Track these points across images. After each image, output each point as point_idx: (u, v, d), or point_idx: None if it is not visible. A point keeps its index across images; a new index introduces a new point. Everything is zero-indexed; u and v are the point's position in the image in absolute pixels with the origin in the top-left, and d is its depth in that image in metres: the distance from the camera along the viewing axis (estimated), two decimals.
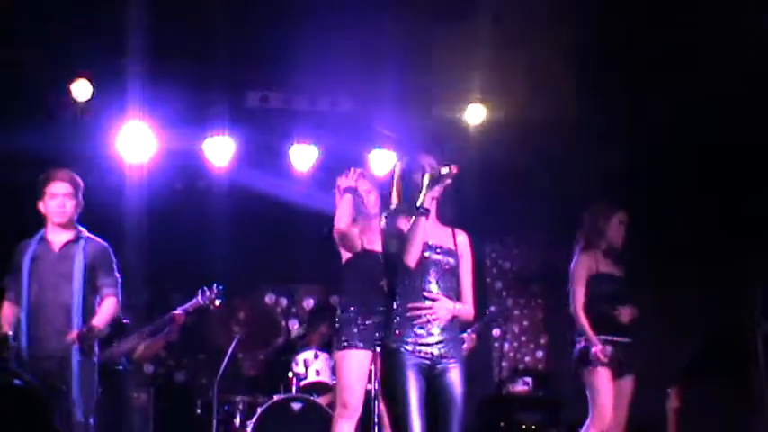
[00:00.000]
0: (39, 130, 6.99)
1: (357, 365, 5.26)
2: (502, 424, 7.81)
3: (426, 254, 4.19)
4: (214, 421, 6.99)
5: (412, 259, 4.13)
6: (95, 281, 5.30)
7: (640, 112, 7.19)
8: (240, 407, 7.14)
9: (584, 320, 5.73)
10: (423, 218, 4.13)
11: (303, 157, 7.95)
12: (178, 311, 6.68)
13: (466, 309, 4.33)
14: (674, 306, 7.43)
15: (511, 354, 9.20)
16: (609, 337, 5.69)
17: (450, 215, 4.36)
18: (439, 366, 4.16)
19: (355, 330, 5.27)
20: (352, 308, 5.33)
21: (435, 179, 4.17)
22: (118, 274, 5.43)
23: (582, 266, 5.83)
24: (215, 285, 6.65)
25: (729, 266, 7.13)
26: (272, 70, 7.34)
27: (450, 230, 4.35)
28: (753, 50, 6.15)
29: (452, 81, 7.35)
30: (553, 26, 6.24)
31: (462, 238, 4.38)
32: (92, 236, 5.40)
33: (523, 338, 9.30)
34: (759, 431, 7.00)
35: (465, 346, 6.92)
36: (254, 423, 6.70)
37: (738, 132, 6.79)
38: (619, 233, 5.87)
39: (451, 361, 4.18)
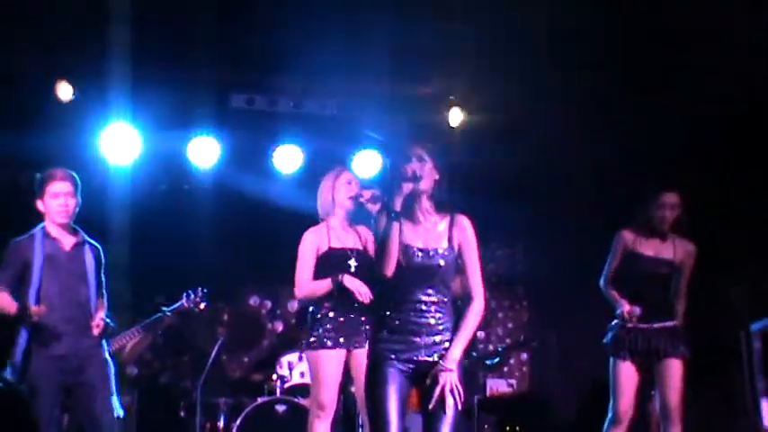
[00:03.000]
0: (22, 131, 6.97)
1: (328, 364, 5.12)
2: (486, 426, 7.81)
3: (409, 259, 3.90)
4: (197, 423, 6.98)
5: (388, 269, 3.88)
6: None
7: (628, 115, 7.21)
8: (224, 409, 7.13)
9: (607, 290, 5.57)
10: (395, 223, 3.87)
11: (288, 158, 7.96)
12: (168, 313, 6.67)
13: (474, 312, 3.95)
14: None
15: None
16: (640, 324, 5.48)
17: (446, 200, 4.00)
18: (428, 372, 3.91)
19: (327, 328, 5.18)
20: (326, 304, 5.20)
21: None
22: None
23: (618, 240, 5.62)
24: (200, 289, 6.64)
25: (716, 268, 7.15)
26: (258, 72, 7.34)
27: (446, 222, 3.98)
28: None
29: (435, 84, 7.37)
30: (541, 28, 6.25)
31: (458, 229, 3.98)
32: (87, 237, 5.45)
33: (508, 341, 9.31)
34: None
35: None
36: (237, 425, 6.68)
37: (734, 133, 6.79)
38: (663, 214, 5.56)
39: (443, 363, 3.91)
